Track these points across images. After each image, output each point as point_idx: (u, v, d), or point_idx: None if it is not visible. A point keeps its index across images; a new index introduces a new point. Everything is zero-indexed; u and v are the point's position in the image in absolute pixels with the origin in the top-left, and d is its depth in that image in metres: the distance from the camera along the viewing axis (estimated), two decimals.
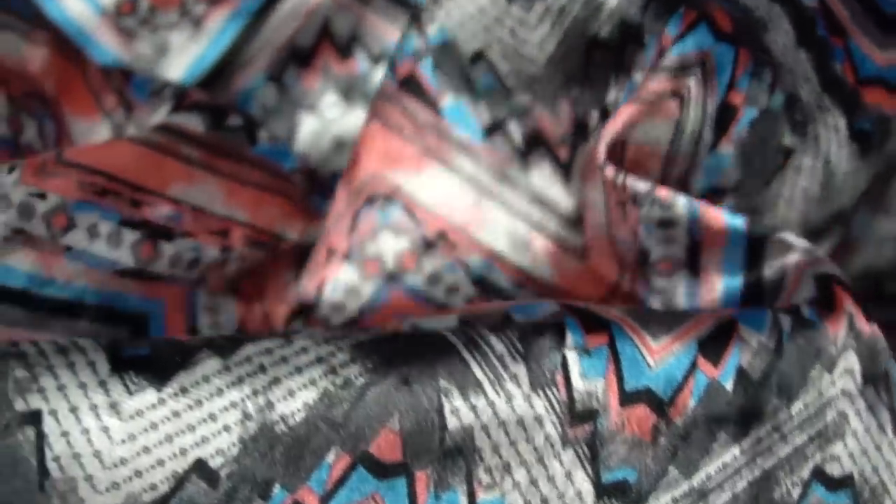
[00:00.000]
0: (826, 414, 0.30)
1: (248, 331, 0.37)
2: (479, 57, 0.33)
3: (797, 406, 0.30)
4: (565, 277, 0.37)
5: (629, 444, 0.30)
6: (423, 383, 0.29)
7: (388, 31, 0.40)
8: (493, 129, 0.34)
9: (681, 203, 0.34)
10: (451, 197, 0.35)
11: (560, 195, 0.35)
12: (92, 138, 0.39)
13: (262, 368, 0.29)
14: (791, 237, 0.34)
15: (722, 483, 0.30)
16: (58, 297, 0.35)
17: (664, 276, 0.35)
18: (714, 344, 0.30)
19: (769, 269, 0.34)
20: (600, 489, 0.29)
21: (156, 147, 0.35)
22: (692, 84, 0.33)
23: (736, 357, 0.30)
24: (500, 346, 0.29)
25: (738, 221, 0.34)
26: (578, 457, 0.29)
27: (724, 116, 0.34)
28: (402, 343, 0.29)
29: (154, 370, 0.28)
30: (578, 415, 0.29)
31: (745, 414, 0.30)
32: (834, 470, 0.30)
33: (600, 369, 0.29)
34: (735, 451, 0.30)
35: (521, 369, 0.29)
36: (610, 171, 0.34)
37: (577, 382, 0.29)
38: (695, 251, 0.35)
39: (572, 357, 0.29)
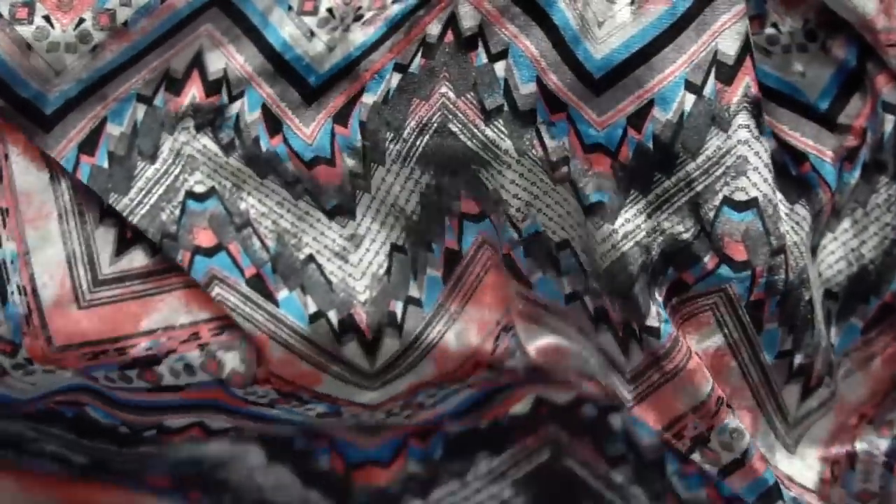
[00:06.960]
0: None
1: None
2: (565, 245, 0.41)
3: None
4: None
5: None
6: None
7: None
8: (573, 298, 0.42)
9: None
10: (544, 342, 0.43)
11: (619, 359, 0.42)
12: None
13: None
14: None
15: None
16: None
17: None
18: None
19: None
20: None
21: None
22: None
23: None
24: (619, 478, 0.44)
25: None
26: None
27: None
28: (547, 480, 0.45)
29: None
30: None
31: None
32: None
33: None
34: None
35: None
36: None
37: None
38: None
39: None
